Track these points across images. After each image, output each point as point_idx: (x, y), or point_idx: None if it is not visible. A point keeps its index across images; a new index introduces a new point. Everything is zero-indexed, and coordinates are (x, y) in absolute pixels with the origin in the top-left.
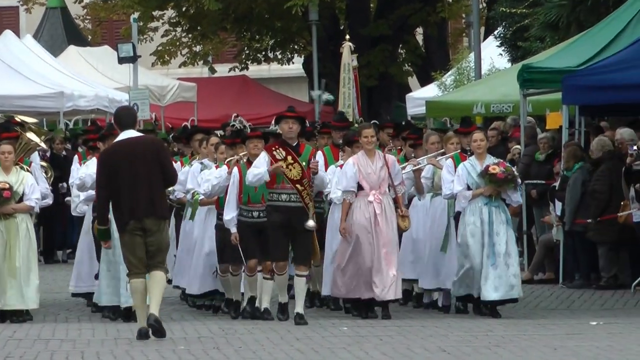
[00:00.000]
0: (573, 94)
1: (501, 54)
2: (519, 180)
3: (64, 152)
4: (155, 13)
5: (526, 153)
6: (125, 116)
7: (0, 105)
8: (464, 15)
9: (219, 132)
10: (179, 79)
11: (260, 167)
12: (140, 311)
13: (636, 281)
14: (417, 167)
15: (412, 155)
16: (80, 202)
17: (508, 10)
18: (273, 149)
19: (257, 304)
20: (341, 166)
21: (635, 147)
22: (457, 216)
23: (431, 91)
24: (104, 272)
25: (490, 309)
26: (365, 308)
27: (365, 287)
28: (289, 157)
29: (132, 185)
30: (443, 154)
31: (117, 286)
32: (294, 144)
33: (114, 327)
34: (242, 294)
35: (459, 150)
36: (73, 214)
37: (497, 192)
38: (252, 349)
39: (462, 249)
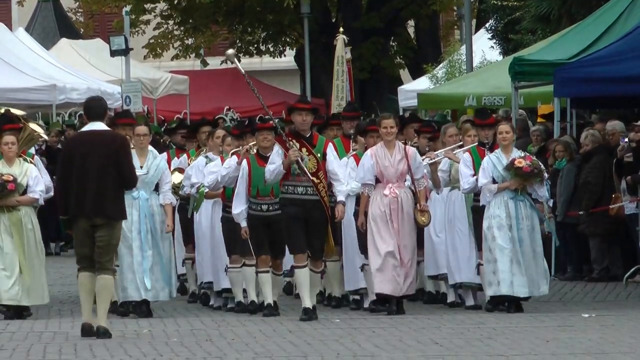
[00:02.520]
0: (565, 86)
1: (493, 47)
2: (546, 175)
3: (58, 145)
4: (147, 6)
5: (518, 146)
6: (95, 107)
7: None
8: (455, 8)
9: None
10: (171, 71)
11: (275, 163)
12: (86, 305)
13: (628, 273)
14: (434, 160)
15: (427, 149)
16: None
17: (499, 3)
18: (286, 140)
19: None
20: (355, 156)
21: (626, 140)
22: (474, 209)
23: (423, 84)
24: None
25: (514, 304)
26: (392, 302)
27: (389, 281)
28: (303, 149)
29: (82, 180)
30: (461, 146)
31: (122, 280)
32: (307, 135)
33: (107, 320)
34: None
35: (476, 144)
36: None
37: (522, 186)
38: (245, 342)
39: (489, 243)
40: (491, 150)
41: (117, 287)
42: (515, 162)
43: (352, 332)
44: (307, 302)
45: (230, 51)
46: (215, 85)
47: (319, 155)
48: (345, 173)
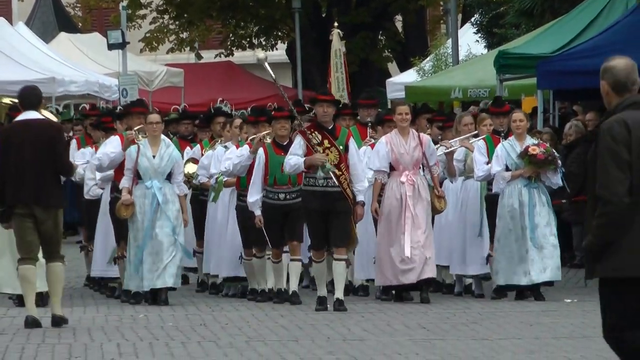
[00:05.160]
0: (547, 79)
1: (478, 41)
2: (560, 162)
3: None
4: (143, 1)
5: None
6: (29, 96)
7: None
8: (442, 3)
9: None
10: (166, 64)
11: (296, 154)
12: (29, 299)
13: None
14: (450, 149)
15: (439, 137)
16: (93, 185)
17: None
18: (308, 132)
19: (284, 287)
20: (372, 145)
21: None
22: (488, 198)
23: (410, 76)
24: (131, 257)
25: (534, 292)
26: (399, 292)
27: (403, 271)
28: (326, 141)
29: (19, 169)
30: (476, 135)
31: (131, 268)
32: (330, 127)
33: (105, 305)
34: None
35: (490, 131)
36: (86, 197)
37: (536, 173)
38: (238, 326)
39: (503, 232)
40: (506, 138)
41: (125, 275)
42: (529, 150)
43: (342, 316)
44: (323, 291)
45: (262, 55)
46: (210, 78)
47: (341, 147)
48: (364, 167)
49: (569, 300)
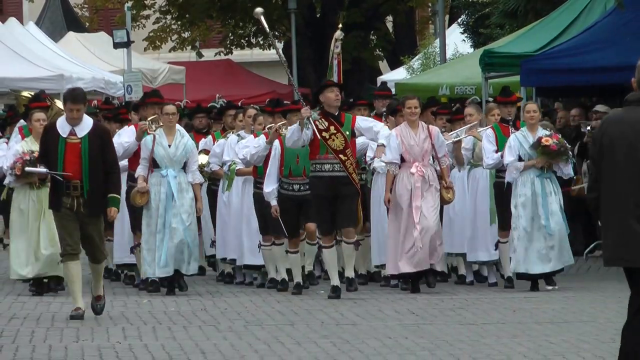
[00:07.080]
0: (530, 76)
1: (464, 40)
2: (571, 153)
3: None
4: (147, 2)
5: None
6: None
7: (5, 87)
8: (430, 4)
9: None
10: (169, 62)
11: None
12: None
13: (588, 249)
14: (459, 138)
15: (443, 129)
16: None
17: (470, 0)
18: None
19: (300, 281)
20: None
21: (588, 127)
22: (496, 185)
23: (400, 74)
24: (145, 245)
25: (546, 278)
26: (414, 281)
27: (412, 261)
28: (332, 127)
29: None
30: (480, 125)
31: (148, 256)
32: (336, 114)
33: (111, 291)
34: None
35: (498, 120)
36: None
37: (549, 164)
38: (237, 311)
39: (515, 221)
40: (514, 127)
41: (142, 263)
42: (542, 141)
43: (335, 302)
44: (336, 280)
45: (259, 9)
46: (210, 75)
47: (347, 133)
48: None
49: (550, 287)
